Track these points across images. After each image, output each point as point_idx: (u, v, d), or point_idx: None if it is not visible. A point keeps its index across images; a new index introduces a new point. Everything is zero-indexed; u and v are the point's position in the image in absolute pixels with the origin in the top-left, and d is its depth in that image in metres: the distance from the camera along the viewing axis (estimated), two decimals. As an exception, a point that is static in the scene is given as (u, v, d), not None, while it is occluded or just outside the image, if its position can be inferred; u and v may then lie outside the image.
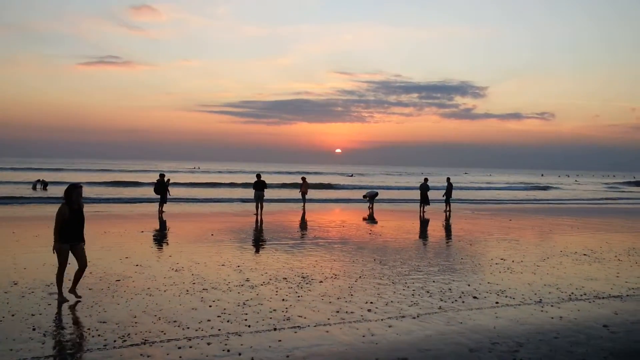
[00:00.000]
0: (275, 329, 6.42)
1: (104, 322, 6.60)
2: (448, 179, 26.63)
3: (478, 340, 6.14)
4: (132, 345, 5.80)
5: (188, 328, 6.43)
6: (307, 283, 9.07)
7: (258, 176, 22.74)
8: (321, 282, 9.19)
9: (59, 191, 32.68)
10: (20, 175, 50.65)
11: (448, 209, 25.18)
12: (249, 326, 6.52)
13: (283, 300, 7.87)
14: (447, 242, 14.75)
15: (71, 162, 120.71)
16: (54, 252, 7.50)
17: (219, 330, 6.36)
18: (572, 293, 8.59)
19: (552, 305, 7.75)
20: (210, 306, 7.44)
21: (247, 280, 9.22)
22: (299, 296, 8.12)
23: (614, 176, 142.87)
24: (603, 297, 8.34)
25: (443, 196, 25.61)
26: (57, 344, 5.81)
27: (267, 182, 23.05)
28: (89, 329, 6.36)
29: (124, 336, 6.09)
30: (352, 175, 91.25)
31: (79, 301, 7.53)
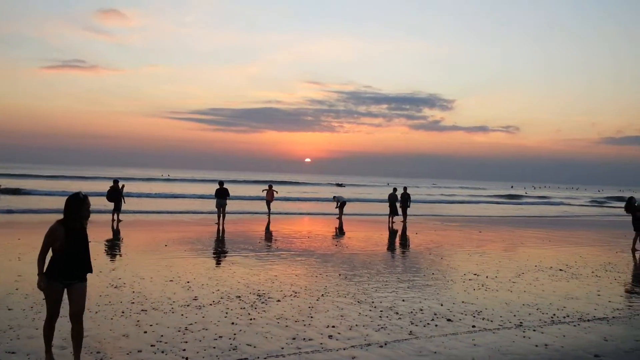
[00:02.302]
0: (217, 362, 5.41)
1: (12, 353, 5.51)
2: (405, 188, 25.78)
3: (455, 376, 5.24)
4: (36, 385, 4.73)
5: (113, 361, 5.38)
6: (262, 302, 8.07)
7: (221, 183, 21.70)
8: (279, 301, 8.21)
9: (13, 201, 30.68)
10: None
11: (403, 219, 24.37)
12: (186, 358, 5.50)
13: (232, 324, 6.86)
14: (416, 255, 13.91)
15: (34, 168, 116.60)
16: (40, 289, 5.09)
17: (150, 363, 5.33)
18: (554, 315, 7.80)
19: (534, 330, 6.93)
20: (145, 332, 6.38)
21: (195, 299, 8.18)
22: (251, 319, 7.13)
23: (576, 189, 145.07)
24: (588, 320, 7.56)
25: (400, 206, 24.65)
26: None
27: (230, 191, 22.00)
28: (-8, 362, 5.25)
29: (30, 373, 5.02)
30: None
31: None
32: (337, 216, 24.89)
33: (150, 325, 6.65)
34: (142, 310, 7.39)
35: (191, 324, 6.78)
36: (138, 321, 6.83)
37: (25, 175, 65.69)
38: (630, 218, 16.41)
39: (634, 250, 15.79)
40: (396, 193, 24.61)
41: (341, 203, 25.31)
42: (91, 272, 5.28)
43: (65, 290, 5.14)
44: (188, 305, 7.73)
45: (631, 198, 16.88)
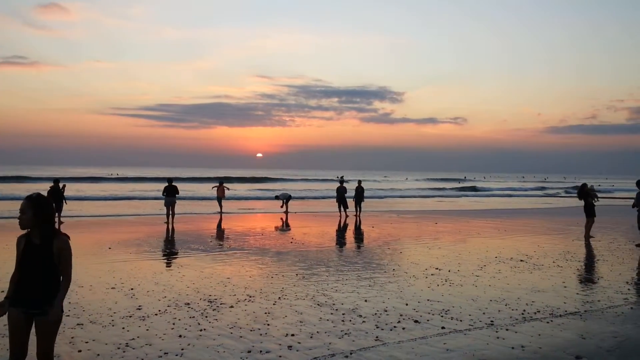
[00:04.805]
0: (161, 386, 4.72)
1: None
2: (359, 182, 25.40)
3: (430, 388, 4.72)
4: None
5: (38, 390, 4.59)
6: (214, 309, 7.37)
7: (169, 181, 20.75)
8: (232, 307, 7.52)
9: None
10: None
11: (357, 213, 24.01)
12: (126, 382, 4.78)
13: (180, 336, 6.15)
14: (375, 250, 13.43)
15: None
16: None
17: (82, 391, 4.58)
18: (525, 311, 7.41)
19: (507, 330, 6.49)
20: (79, 351, 5.60)
21: (139, 308, 7.40)
22: (201, 329, 6.43)
23: (523, 177, 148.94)
24: (560, 315, 7.20)
25: (353, 200, 24.26)
26: None
27: (179, 187, 21.02)
28: None
29: None
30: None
31: None
32: (284, 209, 24.68)
33: (86, 343, 5.86)
34: (78, 324, 6.58)
35: (133, 338, 6.03)
36: (72, 337, 6.02)
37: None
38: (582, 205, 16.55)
39: (587, 237, 15.84)
40: (344, 185, 24.31)
41: (286, 199, 25.04)
42: (54, 304, 3.91)
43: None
44: (130, 317, 6.95)
45: (584, 185, 17.01)
